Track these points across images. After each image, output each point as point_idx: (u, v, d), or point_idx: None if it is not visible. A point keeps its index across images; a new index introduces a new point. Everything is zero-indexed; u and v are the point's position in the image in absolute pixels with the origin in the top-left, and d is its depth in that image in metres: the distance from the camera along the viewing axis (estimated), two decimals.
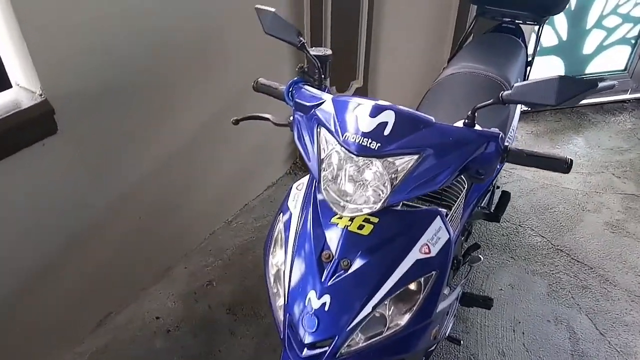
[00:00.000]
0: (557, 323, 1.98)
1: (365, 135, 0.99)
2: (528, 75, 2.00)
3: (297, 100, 1.17)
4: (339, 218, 1.06)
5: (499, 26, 2.05)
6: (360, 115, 1.02)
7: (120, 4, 1.52)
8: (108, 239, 1.83)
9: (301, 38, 1.15)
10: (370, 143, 0.98)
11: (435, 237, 1.04)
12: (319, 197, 1.12)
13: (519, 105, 1.75)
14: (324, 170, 1.05)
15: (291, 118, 1.21)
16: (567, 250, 2.31)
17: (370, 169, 1.00)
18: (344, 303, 1.00)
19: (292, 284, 1.06)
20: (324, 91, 1.20)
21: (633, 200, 2.60)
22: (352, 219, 1.04)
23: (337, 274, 1.02)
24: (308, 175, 1.22)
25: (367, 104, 1.03)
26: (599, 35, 3.05)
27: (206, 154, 2.14)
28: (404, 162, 0.99)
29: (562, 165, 0.98)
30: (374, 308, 0.99)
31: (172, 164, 1.97)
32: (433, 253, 1.03)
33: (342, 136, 1.02)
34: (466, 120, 1.03)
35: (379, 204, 0.99)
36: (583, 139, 3.10)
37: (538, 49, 2.01)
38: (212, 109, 2.07)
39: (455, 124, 1.05)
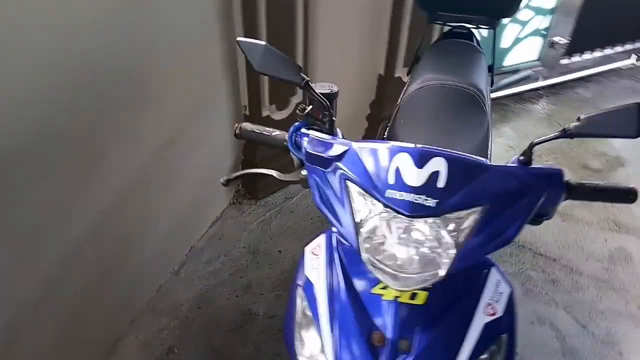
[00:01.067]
0: (540, 324, 1.97)
1: (416, 191, 0.81)
2: (492, 82, 1.95)
3: (310, 151, 0.95)
4: (382, 288, 0.88)
5: (450, 32, 1.98)
6: (402, 166, 0.83)
7: (27, 31, 1.18)
8: (41, 326, 1.46)
9: (303, 75, 0.94)
10: (425, 200, 0.80)
11: (496, 293, 0.90)
12: (347, 262, 0.94)
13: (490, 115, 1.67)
14: (361, 235, 0.86)
15: (303, 172, 0.99)
16: (529, 245, 2.33)
17: (424, 230, 0.83)
18: None
19: None
20: (336, 136, 1.00)
21: None
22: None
23: None
24: (321, 236, 1.02)
25: (409, 151, 0.84)
26: (515, 29, 3.16)
27: (139, 205, 1.80)
28: (466, 218, 0.83)
29: (628, 196, 0.88)
30: None
31: (103, 226, 1.62)
32: (499, 312, 0.89)
33: (385, 193, 0.83)
34: (521, 157, 0.89)
35: (443, 271, 0.82)
36: (510, 129, 3.20)
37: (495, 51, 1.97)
38: (142, 154, 1.76)
39: (509, 163, 0.91)
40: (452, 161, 0.83)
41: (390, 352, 0.84)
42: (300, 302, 0.96)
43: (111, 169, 1.60)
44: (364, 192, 0.86)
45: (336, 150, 0.93)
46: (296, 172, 1.02)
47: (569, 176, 0.89)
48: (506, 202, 0.84)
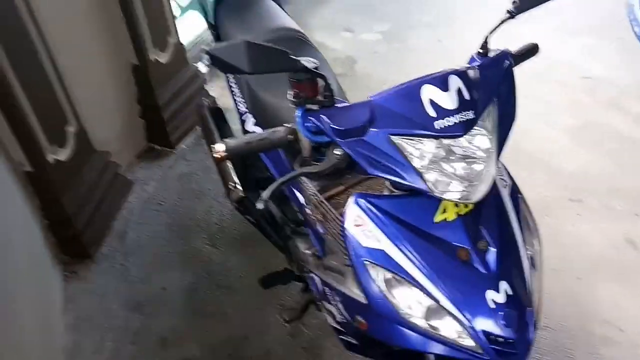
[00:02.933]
0: None
1: (457, 111, 0.89)
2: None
3: (339, 128, 0.90)
4: (442, 213, 0.96)
5: None
6: (433, 96, 0.89)
7: None
8: None
9: (294, 56, 0.86)
10: (467, 114, 0.89)
11: (498, 169, 1.08)
12: (397, 211, 0.98)
13: None
14: (427, 176, 0.90)
15: (337, 152, 0.93)
16: None
17: (473, 140, 0.92)
18: (515, 275, 0.97)
19: (460, 304, 0.93)
20: (343, 102, 0.96)
21: None
22: (457, 204, 0.96)
23: (487, 259, 0.95)
24: (350, 207, 1.01)
25: (430, 82, 0.89)
26: None
27: None
28: (489, 114, 0.95)
29: (534, 51, 1.15)
30: (527, 256, 1.01)
31: None
32: (508, 181, 1.09)
33: (435, 127, 0.88)
34: (481, 50, 1.03)
35: (495, 165, 0.94)
36: None
37: None
38: None
39: (471, 61, 1.03)
40: (461, 74, 0.92)
41: (478, 257, 0.95)
42: (377, 272, 0.96)
43: None
44: (410, 138, 0.89)
45: (363, 113, 0.91)
46: (328, 157, 0.95)
47: None
48: (499, 88, 0.98)
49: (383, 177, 0.93)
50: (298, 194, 1.42)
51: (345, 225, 1.00)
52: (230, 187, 1.67)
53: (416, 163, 0.90)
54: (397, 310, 0.96)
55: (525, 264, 1.00)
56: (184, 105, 2.66)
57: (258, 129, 1.59)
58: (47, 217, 1.93)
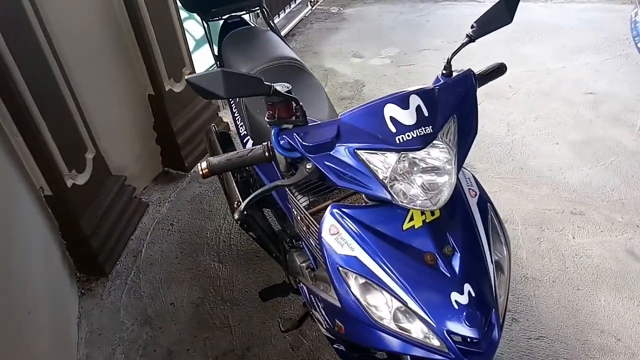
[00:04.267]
0: None
1: (416, 126, 0.96)
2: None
3: (309, 144, 0.99)
4: (409, 221, 1.02)
5: (226, 25, 2.06)
6: (394, 114, 0.96)
7: None
8: None
9: (267, 83, 0.94)
10: (425, 129, 0.96)
11: (467, 179, 1.13)
12: (370, 221, 1.04)
13: None
14: (391, 185, 0.97)
15: (308, 166, 1.02)
16: None
17: (433, 153, 0.99)
18: (479, 278, 1.01)
19: (426, 305, 0.98)
20: (314, 121, 1.05)
21: None
22: (423, 212, 1.02)
23: (452, 263, 1.00)
24: (327, 217, 1.08)
25: (392, 101, 0.97)
26: None
27: None
28: (449, 129, 1.01)
29: (502, 70, 1.21)
30: (492, 261, 1.05)
31: None
32: (478, 191, 1.13)
33: (395, 142, 0.95)
34: (444, 72, 1.12)
35: (455, 175, 1.00)
36: None
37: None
38: None
39: (437, 78, 1.12)
40: (422, 94, 0.99)
41: (444, 261, 1.00)
42: (353, 277, 1.02)
43: None
44: (374, 151, 0.96)
45: (331, 130, 0.99)
46: (300, 171, 1.03)
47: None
48: (461, 105, 1.05)
49: (349, 188, 1.00)
50: (293, 210, 1.50)
51: (322, 234, 1.07)
52: (235, 205, 1.77)
53: (380, 174, 0.97)
54: (368, 313, 1.01)
55: (491, 268, 1.03)
56: (197, 132, 2.82)
57: None
58: (65, 237, 2.08)
